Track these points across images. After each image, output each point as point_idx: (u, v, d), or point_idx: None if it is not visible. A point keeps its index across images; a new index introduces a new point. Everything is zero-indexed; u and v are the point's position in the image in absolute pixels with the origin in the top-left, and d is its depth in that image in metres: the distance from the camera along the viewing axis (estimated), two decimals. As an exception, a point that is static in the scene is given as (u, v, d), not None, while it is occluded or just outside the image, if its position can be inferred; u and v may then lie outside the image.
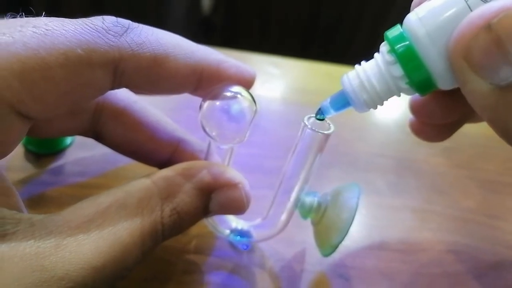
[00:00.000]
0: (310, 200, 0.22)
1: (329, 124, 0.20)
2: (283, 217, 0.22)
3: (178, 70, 0.19)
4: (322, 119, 0.20)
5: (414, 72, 0.16)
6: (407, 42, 0.16)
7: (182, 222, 0.18)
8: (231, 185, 0.19)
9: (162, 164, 0.23)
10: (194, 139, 0.24)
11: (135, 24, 0.18)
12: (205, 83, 0.20)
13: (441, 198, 0.30)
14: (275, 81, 0.42)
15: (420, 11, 0.16)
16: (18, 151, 0.27)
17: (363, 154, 0.33)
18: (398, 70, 0.17)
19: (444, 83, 0.17)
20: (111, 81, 0.17)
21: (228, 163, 0.21)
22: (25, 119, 0.16)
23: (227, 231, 0.23)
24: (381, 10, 0.94)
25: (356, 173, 0.31)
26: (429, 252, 0.26)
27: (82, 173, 0.27)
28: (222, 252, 0.24)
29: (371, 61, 0.18)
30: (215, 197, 0.19)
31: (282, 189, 0.21)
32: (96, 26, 0.16)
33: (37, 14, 0.17)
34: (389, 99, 0.18)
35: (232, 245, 0.24)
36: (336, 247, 0.21)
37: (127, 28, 0.17)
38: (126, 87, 0.19)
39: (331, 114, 0.19)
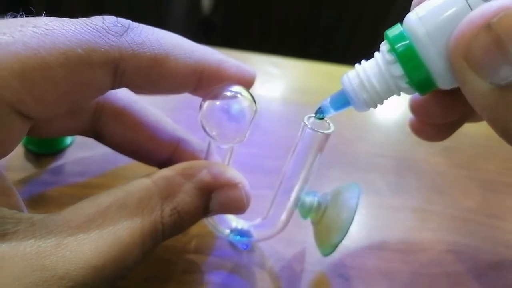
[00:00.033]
0: (310, 199, 0.22)
1: (329, 124, 0.20)
2: (283, 216, 0.22)
3: (178, 69, 0.19)
4: (322, 118, 0.20)
5: (414, 72, 0.16)
6: (407, 42, 0.16)
7: (182, 222, 0.18)
8: (231, 185, 0.19)
9: (162, 164, 0.23)
10: (194, 139, 0.24)
11: (135, 24, 0.18)
12: (205, 83, 0.20)
13: (441, 198, 0.30)
14: (275, 81, 0.42)
15: (420, 10, 0.16)
16: (18, 151, 0.27)
17: (363, 154, 0.33)
18: (398, 70, 0.17)
19: (444, 82, 0.17)
20: (111, 81, 0.17)
21: (228, 163, 0.21)
22: (26, 119, 0.16)
23: (227, 231, 0.23)
24: (381, 10, 0.94)
25: (356, 173, 0.31)
26: (429, 252, 0.26)
27: (82, 173, 0.27)
28: (222, 251, 0.24)
29: (371, 61, 0.18)
30: (215, 197, 0.19)
31: (282, 188, 0.21)
32: (97, 26, 0.16)
33: (38, 14, 0.17)
34: (389, 99, 0.18)
35: (232, 244, 0.24)
36: (336, 246, 0.21)
37: (127, 28, 0.17)
38: (126, 86, 0.19)
39: (331, 114, 0.19)
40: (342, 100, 0.19)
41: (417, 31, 0.16)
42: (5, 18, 0.16)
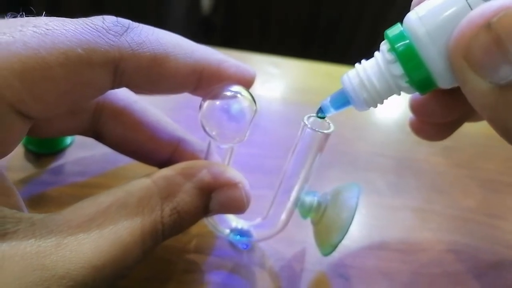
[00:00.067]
0: (310, 199, 0.22)
1: (329, 124, 0.20)
2: (283, 216, 0.22)
3: (178, 69, 0.19)
4: (323, 118, 0.20)
5: (414, 71, 0.16)
6: (407, 41, 0.16)
7: (182, 222, 0.18)
8: (231, 185, 0.19)
9: (162, 163, 0.23)
10: (194, 138, 0.24)
11: (135, 24, 0.18)
12: (205, 83, 0.20)
13: (441, 198, 0.30)
14: (275, 81, 0.42)
15: (420, 10, 0.16)
16: (18, 151, 0.27)
17: (363, 154, 0.33)
18: (398, 69, 0.17)
19: (444, 82, 0.17)
20: (111, 81, 0.17)
21: (228, 162, 0.21)
22: (26, 118, 0.16)
23: (227, 231, 0.23)
24: (381, 10, 0.95)
25: (356, 172, 0.31)
26: (429, 252, 0.26)
27: (82, 172, 0.27)
28: (222, 251, 0.24)
29: (371, 60, 0.18)
30: (215, 197, 0.19)
31: (282, 188, 0.21)
32: (97, 26, 0.16)
33: (38, 14, 0.17)
34: (389, 98, 0.18)
35: (232, 244, 0.24)
36: (336, 246, 0.21)
37: (127, 28, 0.17)
38: (126, 86, 0.19)
39: (331, 113, 0.19)
40: (342, 100, 0.19)
41: (417, 30, 0.16)
42: (5, 18, 0.16)
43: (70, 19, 0.17)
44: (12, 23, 0.15)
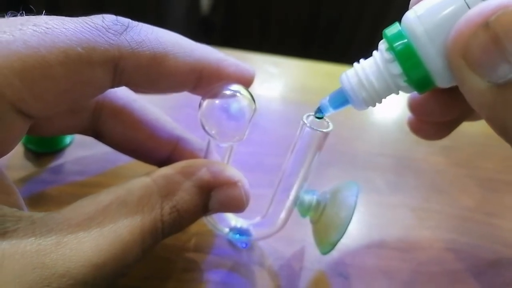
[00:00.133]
0: (309, 198, 0.22)
1: (328, 122, 0.20)
2: (282, 215, 0.22)
3: (178, 68, 0.19)
4: (321, 118, 0.20)
5: (412, 70, 0.16)
6: (406, 40, 0.16)
7: (181, 220, 0.18)
8: (231, 183, 0.19)
9: (161, 162, 0.23)
10: (193, 137, 0.24)
11: (135, 23, 0.18)
12: (204, 82, 0.20)
13: (440, 197, 0.30)
14: (275, 80, 0.42)
15: (419, 9, 0.16)
16: (18, 150, 0.27)
17: (362, 153, 0.33)
18: (396, 68, 0.17)
19: (442, 81, 0.17)
20: (111, 80, 0.17)
21: (227, 161, 0.21)
22: (26, 117, 0.16)
23: (227, 229, 0.23)
24: (380, 10, 0.95)
25: (355, 171, 0.31)
26: (428, 250, 0.26)
27: (82, 172, 0.27)
28: (221, 250, 0.24)
29: (370, 59, 0.18)
30: (214, 195, 0.19)
31: (281, 187, 0.21)
32: (96, 25, 0.16)
33: (37, 13, 0.17)
34: (387, 97, 0.18)
35: (231, 243, 0.24)
36: (335, 245, 0.21)
37: (127, 27, 0.17)
38: (126, 85, 0.19)
39: (330, 112, 0.19)
40: (341, 99, 0.19)
41: (415, 29, 0.16)
42: (5, 17, 0.16)
43: (70, 18, 0.17)
44: (12, 22, 0.15)
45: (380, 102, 0.18)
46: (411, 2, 0.18)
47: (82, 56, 0.16)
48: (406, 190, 0.30)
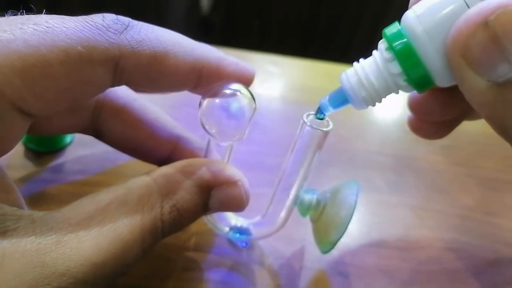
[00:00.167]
0: (309, 197, 0.22)
1: (328, 121, 0.20)
2: (282, 214, 0.22)
3: (178, 67, 0.19)
4: (322, 118, 0.20)
5: (412, 69, 0.16)
6: (405, 40, 0.16)
7: (181, 219, 0.18)
8: (231, 183, 0.19)
9: (161, 161, 0.23)
10: (193, 136, 0.24)
11: (135, 22, 0.18)
12: (204, 81, 0.20)
13: (440, 196, 0.30)
14: (275, 80, 0.42)
15: (418, 8, 0.16)
16: (18, 149, 0.27)
17: (362, 152, 0.33)
18: (396, 67, 0.17)
19: (442, 80, 0.17)
20: (111, 79, 0.17)
21: (227, 160, 0.21)
22: (26, 116, 0.16)
23: (227, 229, 0.23)
24: (380, 9, 0.95)
25: (355, 171, 0.31)
26: (428, 250, 0.26)
27: (82, 171, 0.27)
28: (221, 249, 0.24)
29: (370, 59, 0.18)
30: (214, 194, 0.19)
31: (281, 186, 0.21)
32: (97, 24, 0.17)
33: (38, 12, 0.17)
34: (387, 96, 0.18)
35: (231, 242, 0.24)
36: (335, 244, 0.21)
37: (127, 26, 0.17)
38: (126, 84, 0.19)
39: (330, 112, 0.19)
40: (341, 98, 0.19)
41: (414, 29, 0.16)
42: (6, 16, 0.16)
43: (70, 17, 0.17)
44: (13, 21, 0.15)
45: (380, 101, 0.18)
46: (410, 2, 0.18)
47: (83, 55, 0.16)
48: (406, 189, 0.30)
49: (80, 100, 0.18)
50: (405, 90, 0.18)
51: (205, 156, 0.22)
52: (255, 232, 0.23)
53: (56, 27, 0.16)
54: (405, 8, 0.17)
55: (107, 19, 0.17)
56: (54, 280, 0.14)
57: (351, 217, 0.20)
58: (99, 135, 0.23)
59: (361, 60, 0.18)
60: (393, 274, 0.24)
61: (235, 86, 0.20)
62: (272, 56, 0.45)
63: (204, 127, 0.19)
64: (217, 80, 0.20)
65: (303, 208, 0.22)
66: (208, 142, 0.21)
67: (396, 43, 0.16)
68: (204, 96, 0.19)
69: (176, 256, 0.23)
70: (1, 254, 0.13)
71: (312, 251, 0.24)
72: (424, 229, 0.27)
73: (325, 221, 0.21)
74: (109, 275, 0.15)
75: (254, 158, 0.31)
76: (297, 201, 0.22)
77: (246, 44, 0.53)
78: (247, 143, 0.27)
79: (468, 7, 0.15)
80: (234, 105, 0.19)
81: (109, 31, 0.17)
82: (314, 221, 0.22)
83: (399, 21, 0.17)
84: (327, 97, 0.19)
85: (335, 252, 0.24)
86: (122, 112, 0.22)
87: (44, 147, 0.28)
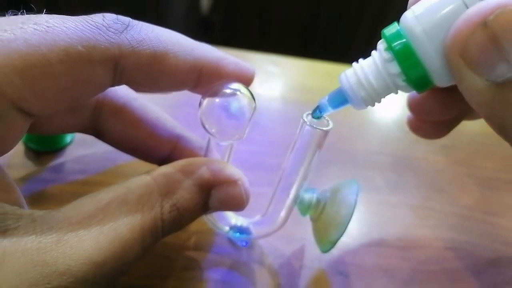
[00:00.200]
0: (309, 196, 0.22)
1: (328, 121, 0.20)
2: (282, 213, 0.22)
3: (178, 67, 0.19)
4: (319, 118, 0.20)
5: (411, 70, 0.16)
6: (404, 40, 0.16)
7: (181, 219, 0.18)
8: (231, 182, 0.19)
9: (161, 161, 0.23)
10: (193, 136, 0.24)
11: (135, 22, 0.18)
12: (204, 80, 0.20)
13: (439, 196, 0.30)
14: (275, 79, 0.42)
15: (417, 8, 0.16)
16: (19, 148, 0.27)
17: (361, 152, 0.33)
18: (395, 68, 0.17)
19: (441, 80, 0.17)
20: (111, 78, 0.18)
21: (227, 160, 0.21)
22: (26, 115, 0.16)
23: (227, 228, 0.23)
24: (380, 9, 0.95)
25: (355, 170, 0.32)
26: (428, 249, 0.26)
27: (82, 170, 0.27)
28: (221, 248, 0.24)
29: (369, 59, 0.18)
30: (214, 194, 0.19)
31: (281, 186, 0.21)
32: (97, 23, 0.17)
33: (38, 12, 0.17)
34: (386, 97, 0.18)
35: (231, 241, 0.24)
36: (335, 243, 0.21)
37: (127, 25, 0.17)
38: (126, 84, 0.19)
39: (329, 112, 0.19)
40: (340, 98, 0.19)
41: (413, 29, 0.16)
42: (6, 16, 0.16)
43: (70, 16, 0.17)
44: (13, 20, 0.15)
45: (379, 101, 0.18)
46: (409, 2, 0.18)
47: (83, 54, 0.16)
48: (406, 189, 0.30)
49: (80, 99, 0.18)
50: (404, 90, 0.18)
51: (205, 155, 0.22)
52: (255, 231, 0.23)
53: (57, 27, 0.16)
54: (405, 8, 0.17)
55: (107, 19, 0.17)
56: (54, 279, 0.14)
57: (351, 216, 0.20)
58: (99, 134, 0.23)
59: (360, 60, 0.18)
60: (393, 274, 0.24)
61: (235, 85, 0.20)
62: (272, 56, 0.45)
63: (204, 127, 0.19)
64: (217, 79, 0.20)
65: (303, 207, 0.22)
66: (208, 142, 0.21)
67: (395, 44, 0.16)
68: (204, 95, 0.19)
69: (176, 255, 0.23)
70: (1, 253, 0.13)
71: (312, 250, 0.24)
72: (424, 229, 0.27)
73: (325, 220, 0.21)
74: (109, 274, 0.15)
75: (254, 157, 0.31)
76: (297, 200, 0.22)
77: (246, 44, 0.53)
78: (247, 142, 0.28)
79: (467, 7, 0.15)
80: (234, 104, 0.19)
81: (109, 31, 0.17)
82: (314, 220, 0.22)
83: (398, 22, 0.17)
84: (327, 97, 0.19)
85: (335, 252, 0.24)
86: (122, 112, 0.22)
87: (44, 147, 0.28)
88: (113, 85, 0.18)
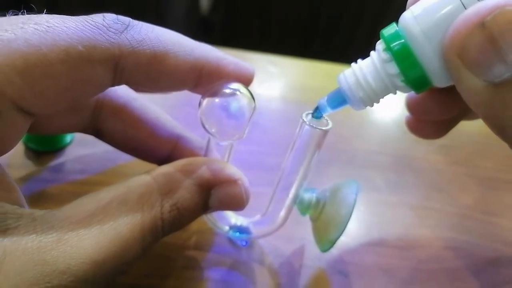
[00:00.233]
0: (308, 196, 0.22)
1: (327, 120, 0.20)
2: (282, 213, 0.22)
3: (178, 67, 0.19)
4: (319, 118, 0.20)
5: (409, 70, 0.16)
6: (403, 40, 0.16)
7: (182, 218, 0.18)
8: (231, 181, 0.19)
9: (161, 161, 0.23)
10: (193, 136, 0.24)
11: (135, 22, 0.18)
12: (204, 80, 0.20)
13: (439, 195, 0.30)
14: (274, 80, 0.42)
15: (416, 9, 0.16)
16: (19, 148, 0.28)
17: (361, 152, 0.34)
18: (393, 68, 0.17)
19: (439, 80, 0.17)
20: (112, 78, 0.18)
21: (227, 159, 0.21)
22: (27, 115, 0.16)
23: (227, 228, 0.23)
24: (380, 9, 0.95)
25: (354, 170, 0.32)
26: (428, 249, 0.26)
27: (82, 170, 0.27)
28: (221, 248, 0.24)
29: (367, 59, 0.18)
30: (214, 193, 0.19)
31: (281, 185, 0.22)
32: (97, 23, 0.17)
33: (39, 12, 0.17)
34: (385, 97, 0.18)
35: (231, 241, 0.24)
36: (334, 242, 0.21)
37: (127, 25, 0.18)
38: (126, 84, 0.19)
39: (328, 112, 0.19)
40: (339, 99, 0.19)
41: (412, 29, 0.16)
42: (7, 16, 0.16)
43: (70, 16, 0.17)
44: (14, 20, 0.15)
45: (378, 102, 0.18)
46: (408, 3, 0.18)
47: (83, 54, 0.16)
48: (406, 189, 0.30)
49: (80, 99, 0.18)
50: (403, 91, 0.18)
51: (205, 155, 0.22)
52: (255, 231, 0.23)
53: (57, 27, 0.16)
54: (404, 8, 0.17)
55: (108, 19, 0.17)
56: (54, 278, 0.14)
57: (351, 216, 0.20)
58: (99, 134, 0.23)
59: (359, 60, 0.18)
60: (392, 273, 0.24)
61: (235, 85, 0.20)
62: (271, 56, 0.45)
63: (204, 127, 0.19)
64: (217, 79, 0.20)
65: (303, 207, 0.22)
66: (208, 141, 0.21)
67: (394, 44, 0.16)
68: (204, 95, 0.19)
69: (176, 255, 0.23)
70: (2, 252, 0.14)
71: (312, 249, 0.24)
72: (424, 228, 0.27)
73: (324, 219, 0.21)
74: (109, 273, 0.15)
75: (254, 157, 0.31)
76: (297, 200, 0.22)
77: (246, 44, 0.53)
78: (247, 142, 0.28)
79: (465, 8, 0.15)
80: (233, 104, 0.19)
81: (109, 31, 0.17)
82: (314, 220, 0.22)
83: (397, 22, 0.17)
84: (325, 98, 0.19)
85: (334, 251, 0.24)
86: (122, 112, 0.22)
87: (44, 147, 0.28)
88: (113, 85, 0.18)
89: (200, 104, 0.19)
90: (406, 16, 0.16)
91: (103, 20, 0.17)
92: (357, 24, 0.99)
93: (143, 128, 0.23)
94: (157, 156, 0.23)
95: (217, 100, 0.19)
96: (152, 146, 0.23)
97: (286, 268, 0.23)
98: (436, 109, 0.23)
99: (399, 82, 0.17)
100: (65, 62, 0.15)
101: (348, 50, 1.00)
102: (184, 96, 0.23)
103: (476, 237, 0.27)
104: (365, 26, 0.98)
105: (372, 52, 0.18)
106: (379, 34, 0.18)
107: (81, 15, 0.17)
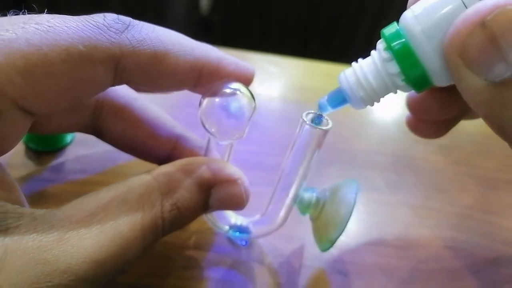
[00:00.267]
0: (308, 196, 0.22)
1: (327, 120, 0.20)
2: (282, 213, 0.22)
3: (178, 66, 0.19)
4: (319, 123, 0.20)
5: (410, 69, 0.17)
6: (403, 40, 0.16)
7: (182, 218, 0.18)
8: (231, 181, 0.19)
9: (161, 160, 0.23)
10: (193, 135, 0.24)
11: (136, 21, 0.18)
12: (204, 80, 0.20)
13: (439, 195, 0.30)
14: (274, 80, 0.42)
15: (416, 8, 0.16)
16: (19, 148, 0.28)
17: (361, 152, 0.34)
18: (394, 67, 0.17)
19: (439, 80, 0.17)
20: (112, 78, 0.18)
21: (227, 159, 0.22)
22: (27, 114, 0.16)
23: (226, 227, 0.23)
24: (380, 9, 0.95)
25: (354, 170, 0.32)
26: (427, 248, 0.26)
27: (82, 170, 0.27)
28: (221, 248, 0.24)
29: (368, 58, 0.18)
30: (214, 193, 0.19)
31: (281, 185, 0.22)
32: (98, 23, 0.17)
33: (39, 12, 0.17)
34: (385, 96, 0.18)
35: (231, 241, 0.24)
36: (334, 242, 0.21)
37: (128, 25, 0.18)
38: (127, 83, 0.19)
39: (329, 111, 0.19)
40: (340, 98, 0.19)
41: (413, 29, 0.16)
42: (8, 16, 0.16)
43: (71, 16, 0.17)
44: (15, 20, 0.16)
45: (378, 101, 0.18)
46: (409, 2, 0.18)
47: (84, 54, 0.16)
48: (406, 189, 0.30)
49: (81, 99, 0.18)
50: (403, 90, 0.18)
51: (205, 155, 0.22)
52: (254, 230, 0.23)
53: (58, 27, 0.16)
54: (405, 8, 0.17)
55: (108, 18, 0.17)
56: (55, 278, 0.14)
57: (351, 215, 0.20)
58: (99, 134, 0.23)
59: (359, 60, 0.18)
60: (392, 273, 0.24)
61: (235, 85, 0.20)
62: (271, 56, 0.45)
63: (204, 126, 0.19)
64: (217, 79, 0.20)
65: (303, 206, 0.22)
66: (208, 141, 0.21)
67: (394, 43, 0.17)
68: (204, 95, 0.19)
69: (176, 254, 0.23)
70: (3, 252, 0.14)
71: (312, 249, 0.24)
72: (424, 228, 0.27)
73: (324, 219, 0.21)
74: (109, 272, 0.15)
75: (254, 157, 0.31)
76: (297, 199, 0.22)
77: (246, 44, 0.53)
78: (247, 142, 0.28)
79: (466, 7, 0.15)
80: (233, 104, 0.19)
81: (110, 31, 0.17)
82: (314, 220, 0.22)
83: (398, 21, 0.17)
84: (326, 97, 0.19)
85: (334, 251, 0.24)
86: (122, 111, 0.22)
87: (45, 147, 0.28)
88: (113, 85, 0.18)
89: (200, 103, 0.19)
90: (407, 15, 0.16)
91: (104, 20, 0.17)
92: (357, 24, 0.99)
93: (143, 128, 0.23)
94: (157, 156, 0.23)
95: (217, 99, 0.19)
96: (152, 146, 0.23)
97: (286, 267, 0.23)
98: (436, 108, 0.23)
99: (399, 81, 0.17)
100: (66, 62, 0.15)
101: (348, 50, 1.00)
102: (184, 96, 0.23)
103: (476, 237, 0.27)
104: (365, 26, 0.98)
105: (372, 52, 0.18)
106: (379, 34, 0.18)
107: (82, 15, 0.17)
